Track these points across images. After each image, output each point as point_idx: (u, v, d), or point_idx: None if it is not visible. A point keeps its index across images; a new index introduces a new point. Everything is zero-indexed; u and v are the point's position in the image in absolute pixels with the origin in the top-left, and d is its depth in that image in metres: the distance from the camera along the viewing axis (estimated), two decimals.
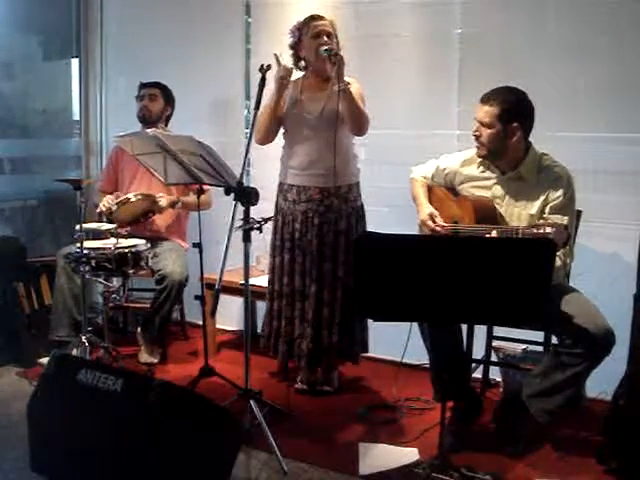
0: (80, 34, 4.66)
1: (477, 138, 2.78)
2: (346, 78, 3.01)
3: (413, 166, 3.13)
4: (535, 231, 2.38)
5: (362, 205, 3.31)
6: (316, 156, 3.15)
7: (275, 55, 3.02)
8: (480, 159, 2.86)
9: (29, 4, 4.45)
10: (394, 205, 3.35)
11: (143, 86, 4.01)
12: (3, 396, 3.24)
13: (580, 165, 2.82)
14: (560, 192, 2.70)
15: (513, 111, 2.71)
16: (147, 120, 3.90)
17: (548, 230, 2.35)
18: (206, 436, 2.19)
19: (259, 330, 4.17)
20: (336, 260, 3.19)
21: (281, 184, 3.32)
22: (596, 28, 3.11)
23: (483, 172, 2.89)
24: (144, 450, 2.10)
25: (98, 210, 3.70)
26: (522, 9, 3.28)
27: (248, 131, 3.02)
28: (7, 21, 4.38)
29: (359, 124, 3.11)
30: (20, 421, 2.44)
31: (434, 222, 2.83)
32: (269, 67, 2.87)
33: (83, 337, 3.31)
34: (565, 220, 2.64)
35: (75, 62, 4.71)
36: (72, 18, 4.64)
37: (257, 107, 2.83)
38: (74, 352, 3.30)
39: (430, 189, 3.03)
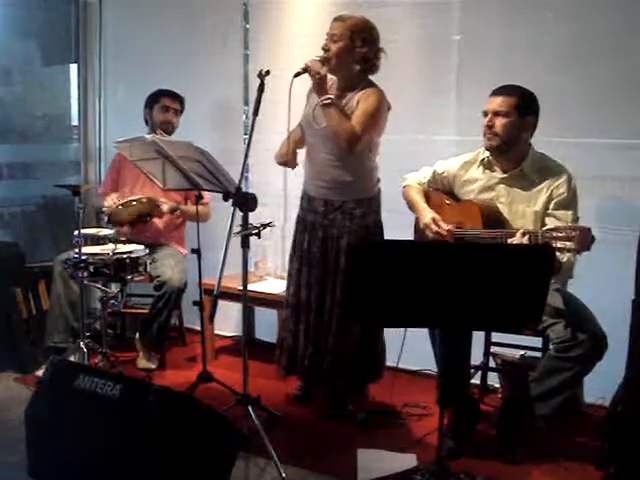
0: (79, 39, 4.66)
1: (490, 128, 2.75)
2: (369, 89, 2.95)
3: (412, 171, 3.13)
4: (556, 235, 2.38)
5: (377, 222, 3.12)
6: (320, 167, 3.06)
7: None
8: (482, 159, 2.88)
9: (28, 9, 4.45)
10: (392, 210, 3.34)
11: (166, 94, 3.93)
12: (1, 401, 3.23)
13: (578, 171, 2.82)
14: (564, 188, 2.73)
15: (529, 103, 2.74)
16: (168, 134, 3.86)
17: (573, 233, 2.34)
18: (204, 442, 2.19)
19: (257, 335, 4.19)
20: (335, 280, 3.04)
21: (302, 191, 3.23)
22: (596, 33, 3.12)
23: (484, 173, 2.89)
24: (142, 456, 2.09)
25: (104, 209, 3.69)
26: (521, 15, 3.29)
27: (247, 137, 3.01)
28: (6, 26, 4.39)
29: (339, 142, 2.92)
30: (18, 427, 2.43)
31: (438, 226, 2.82)
32: (268, 72, 2.81)
33: (81, 343, 3.30)
34: (569, 216, 2.67)
35: (74, 67, 4.72)
36: (71, 23, 4.64)
37: (256, 113, 2.74)
38: (72, 358, 3.30)
39: (426, 195, 3.03)
